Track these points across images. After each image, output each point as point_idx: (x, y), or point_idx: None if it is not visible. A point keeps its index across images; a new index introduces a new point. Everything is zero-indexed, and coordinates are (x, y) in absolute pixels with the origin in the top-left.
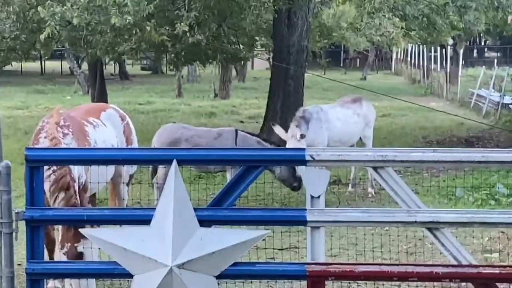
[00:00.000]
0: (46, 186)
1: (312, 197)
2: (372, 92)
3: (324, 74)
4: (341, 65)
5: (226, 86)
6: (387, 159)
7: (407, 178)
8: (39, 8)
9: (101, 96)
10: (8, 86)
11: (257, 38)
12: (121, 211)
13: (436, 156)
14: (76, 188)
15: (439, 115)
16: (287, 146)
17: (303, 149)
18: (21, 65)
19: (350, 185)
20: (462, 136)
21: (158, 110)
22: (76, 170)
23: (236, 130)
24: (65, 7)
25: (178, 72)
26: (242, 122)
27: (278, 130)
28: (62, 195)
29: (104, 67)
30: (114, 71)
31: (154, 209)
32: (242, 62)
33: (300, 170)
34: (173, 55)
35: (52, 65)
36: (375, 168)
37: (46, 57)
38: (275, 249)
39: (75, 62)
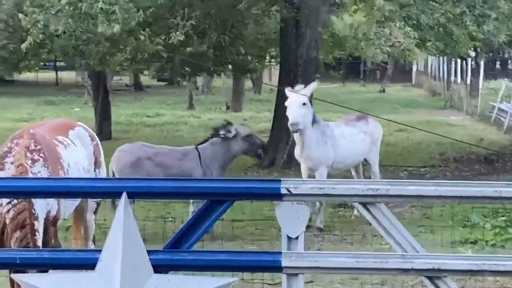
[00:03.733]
0: (8, 222)
1: (289, 238)
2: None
3: (343, 85)
4: (361, 77)
5: (238, 98)
6: (378, 193)
7: None
8: (20, 16)
9: (104, 109)
10: (20, 97)
11: (268, 49)
12: (62, 253)
13: (438, 190)
14: (39, 226)
15: (457, 130)
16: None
17: (278, 181)
18: (37, 75)
19: (355, 209)
20: (482, 153)
21: (166, 123)
22: (44, 203)
23: (197, 148)
24: (48, 14)
25: (189, 83)
26: None
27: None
28: (16, 234)
29: (120, 78)
30: (130, 82)
31: (100, 251)
32: (255, 73)
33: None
34: (174, 65)
35: (69, 75)
36: (364, 204)
37: (36, 68)
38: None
39: (85, 72)
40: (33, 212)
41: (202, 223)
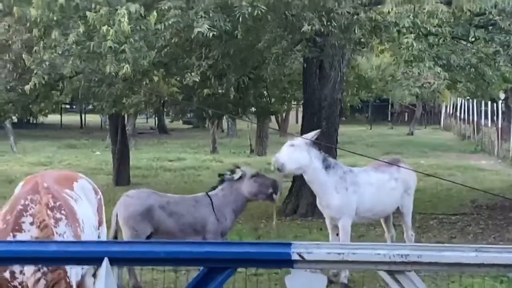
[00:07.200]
0: None
1: None
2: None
3: (370, 129)
4: (388, 119)
5: (262, 142)
6: (408, 261)
7: None
8: (24, 56)
9: (122, 152)
10: (43, 140)
11: (292, 91)
12: None
13: (480, 258)
14: None
15: (489, 175)
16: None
17: (288, 245)
18: (61, 118)
19: None
20: None
21: (187, 167)
22: (77, 269)
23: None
24: (54, 54)
25: (213, 127)
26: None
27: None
28: None
29: (146, 120)
30: (154, 125)
31: None
32: (279, 115)
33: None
34: (193, 108)
35: (94, 118)
36: (391, 273)
37: (46, 111)
38: None
39: (107, 115)
40: (69, 280)
41: None
